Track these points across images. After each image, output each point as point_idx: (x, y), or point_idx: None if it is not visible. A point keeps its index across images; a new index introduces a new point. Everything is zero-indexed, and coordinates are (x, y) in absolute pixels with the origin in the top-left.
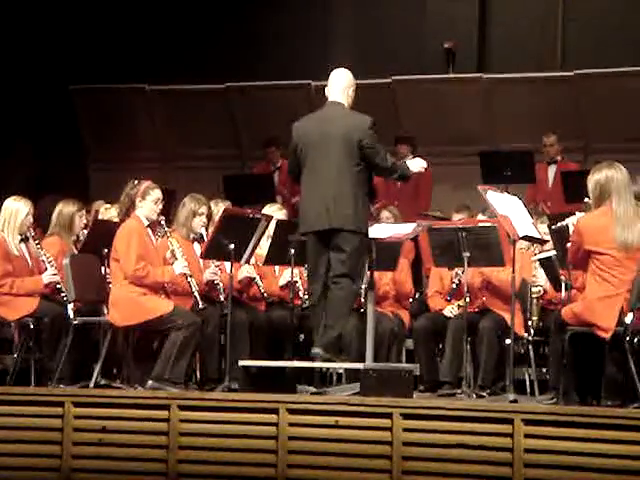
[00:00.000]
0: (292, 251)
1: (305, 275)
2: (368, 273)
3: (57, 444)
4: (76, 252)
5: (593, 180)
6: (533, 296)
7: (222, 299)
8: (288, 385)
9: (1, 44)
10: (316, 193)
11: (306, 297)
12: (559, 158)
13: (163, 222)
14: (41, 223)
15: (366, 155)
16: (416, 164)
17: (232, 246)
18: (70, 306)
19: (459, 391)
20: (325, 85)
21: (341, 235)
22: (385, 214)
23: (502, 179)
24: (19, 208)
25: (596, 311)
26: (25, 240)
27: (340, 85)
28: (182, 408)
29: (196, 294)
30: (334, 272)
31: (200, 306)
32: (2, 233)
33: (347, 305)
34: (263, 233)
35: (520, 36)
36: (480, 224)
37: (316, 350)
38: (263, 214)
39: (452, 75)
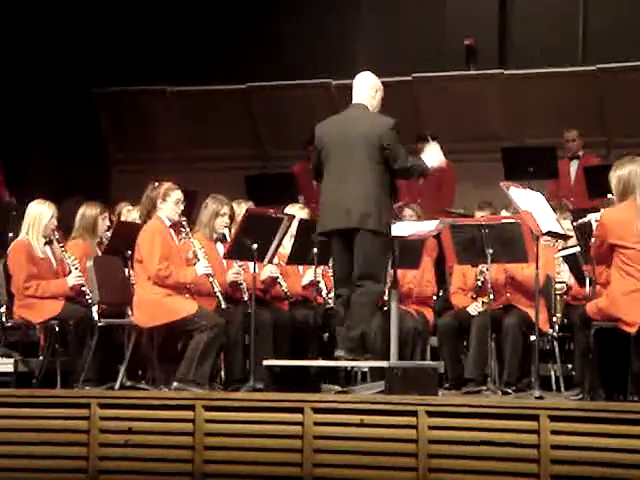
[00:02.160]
0: (315, 250)
1: (329, 274)
2: (391, 271)
3: (83, 446)
4: (100, 254)
5: (616, 175)
6: (557, 292)
7: (245, 299)
8: (313, 384)
9: (23, 48)
10: (337, 193)
11: (330, 296)
12: (581, 153)
13: (185, 223)
14: (64, 225)
15: (386, 157)
16: (432, 159)
17: (255, 246)
18: (95, 308)
19: (484, 388)
20: (346, 84)
21: (362, 235)
22: (408, 212)
23: (524, 175)
24: (43, 211)
25: (621, 306)
26: (49, 243)
27: (363, 87)
28: (207, 408)
29: (219, 294)
30: (356, 273)
31: (223, 306)
32: (27, 236)
33: (369, 308)
34: (286, 233)
35: (541, 31)
36: (503, 220)
37: (339, 353)
38: (285, 214)
39: (473, 72)
